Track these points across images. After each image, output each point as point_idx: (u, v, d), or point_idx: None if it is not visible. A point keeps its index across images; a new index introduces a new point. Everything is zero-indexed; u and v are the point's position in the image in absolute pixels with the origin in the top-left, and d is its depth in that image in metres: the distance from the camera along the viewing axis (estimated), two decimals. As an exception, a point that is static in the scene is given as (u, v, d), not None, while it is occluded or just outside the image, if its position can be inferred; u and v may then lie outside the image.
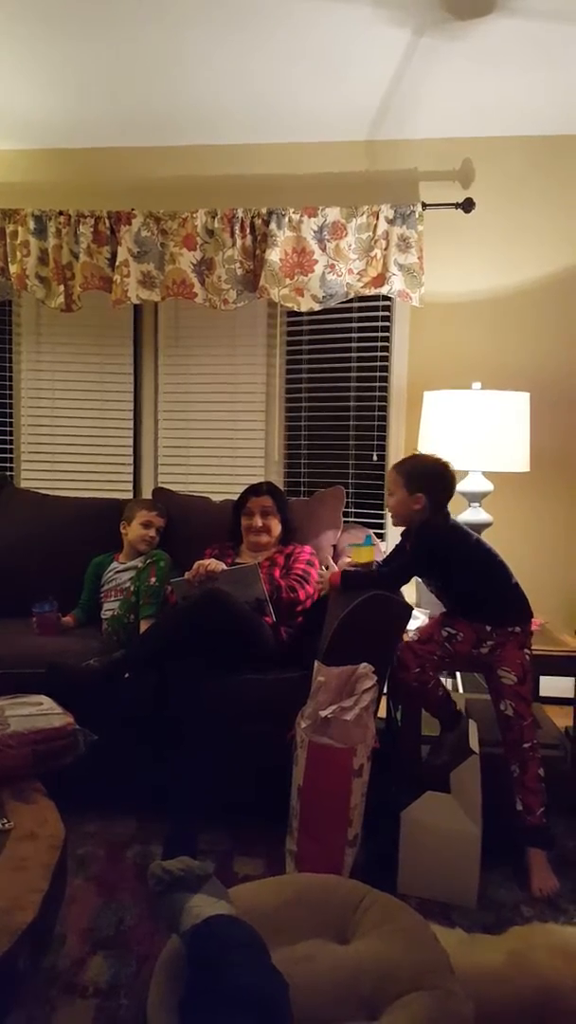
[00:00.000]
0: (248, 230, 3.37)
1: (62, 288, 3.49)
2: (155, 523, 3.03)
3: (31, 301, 3.76)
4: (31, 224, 3.48)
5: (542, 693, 3.07)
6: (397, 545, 2.41)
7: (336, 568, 2.53)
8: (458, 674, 3.11)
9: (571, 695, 2.53)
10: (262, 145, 3.64)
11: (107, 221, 3.45)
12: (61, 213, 3.45)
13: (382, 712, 2.63)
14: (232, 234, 3.37)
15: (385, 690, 2.38)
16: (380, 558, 2.50)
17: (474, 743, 2.18)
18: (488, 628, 2.24)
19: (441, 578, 2.34)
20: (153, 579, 2.79)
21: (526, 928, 1.73)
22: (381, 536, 3.53)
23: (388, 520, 3.61)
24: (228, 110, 3.38)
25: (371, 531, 3.24)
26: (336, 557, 2.94)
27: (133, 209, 3.42)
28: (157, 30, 2.76)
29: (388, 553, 2.52)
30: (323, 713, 2.03)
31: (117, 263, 3.44)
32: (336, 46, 2.83)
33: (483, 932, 1.83)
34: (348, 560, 2.53)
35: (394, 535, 2.72)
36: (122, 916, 1.91)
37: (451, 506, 2.38)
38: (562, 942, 1.63)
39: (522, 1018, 1.46)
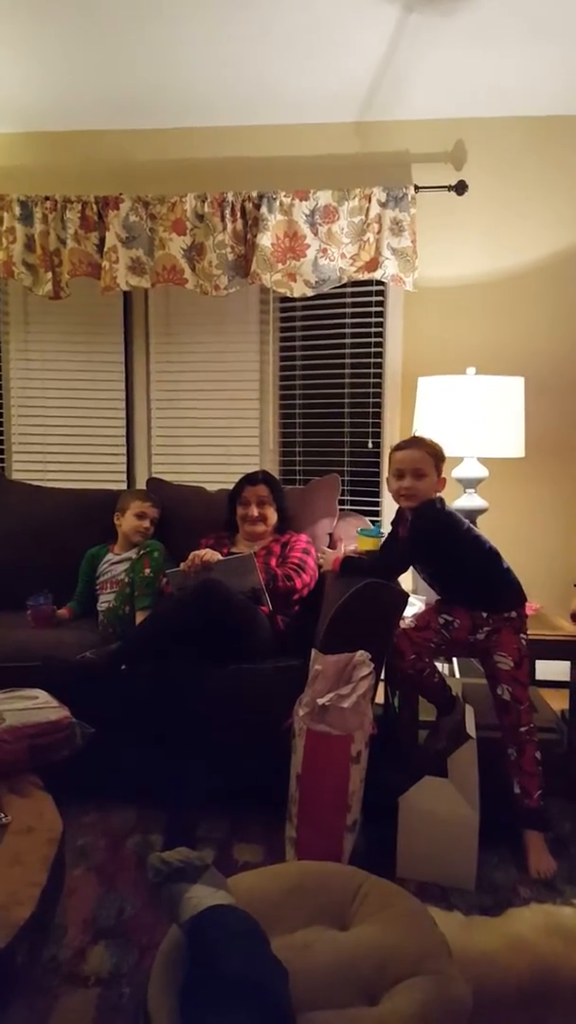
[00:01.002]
0: (239, 214, 3.34)
1: (50, 275, 3.46)
2: (149, 514, 3.01)
3: (18, 289, 3.73)
4: (16, 210, 3.44)
5: (539, 677, 3.08)
6: (389, 535, 2.40)
7: (339, 552, 2.52)
8: (454, 659, 3.12)
9: (567, 678, 2.53)
10: (251, 127, 3.60)
11: (94, 206, 3.41)
12: (47, 198, 3.42)
13: (379, 698, 2.64)
14: (222, 218, 3.33)
15: (382, 676, 2.38)
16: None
17: (471, 728, 2.19)
18: (484, 615, 2.24)
19: (434, 564, 2.34)
20: (148, 570, 2.78)
21: (524, 910, 1.74)
22: (376, 524, 3.52)
23: (384, 508, 3.61)
24: (216, 92, 3.33)
25: (379, 521, 3.23)
26: (332, 545, 2.93)
27: (121, 194, 3.38)
28: (144, 11, 2.72)
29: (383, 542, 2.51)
30: (321, 701, 2.03)
31: (105, 249, 3.40)
32: (325, 25, 2.79)
33: (481, 915, 1.84)
34: (352, 548, 2.53)
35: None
36: (122, 906, 1.92)
37: (447, 492, 2.37)
38: (559, 923, 1.64)
39: (520, 999, 1.47)
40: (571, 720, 2.48)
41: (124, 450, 3.91)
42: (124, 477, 3.91)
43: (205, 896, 1.31)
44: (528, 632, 2.31)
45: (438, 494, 2.28)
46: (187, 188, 3.39)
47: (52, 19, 2.79)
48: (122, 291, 3.52)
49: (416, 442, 2.32)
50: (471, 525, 2.33)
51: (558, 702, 2.79)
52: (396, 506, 2.39)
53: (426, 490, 2.26)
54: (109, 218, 3.39)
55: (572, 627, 2.68)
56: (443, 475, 2.30)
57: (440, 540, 2.25)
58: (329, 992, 1.22)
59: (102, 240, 3.44)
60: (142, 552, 2.84)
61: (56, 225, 3.44)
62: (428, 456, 2.27)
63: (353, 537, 2.80)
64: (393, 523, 2.45)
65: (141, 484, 3.76)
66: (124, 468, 3.92)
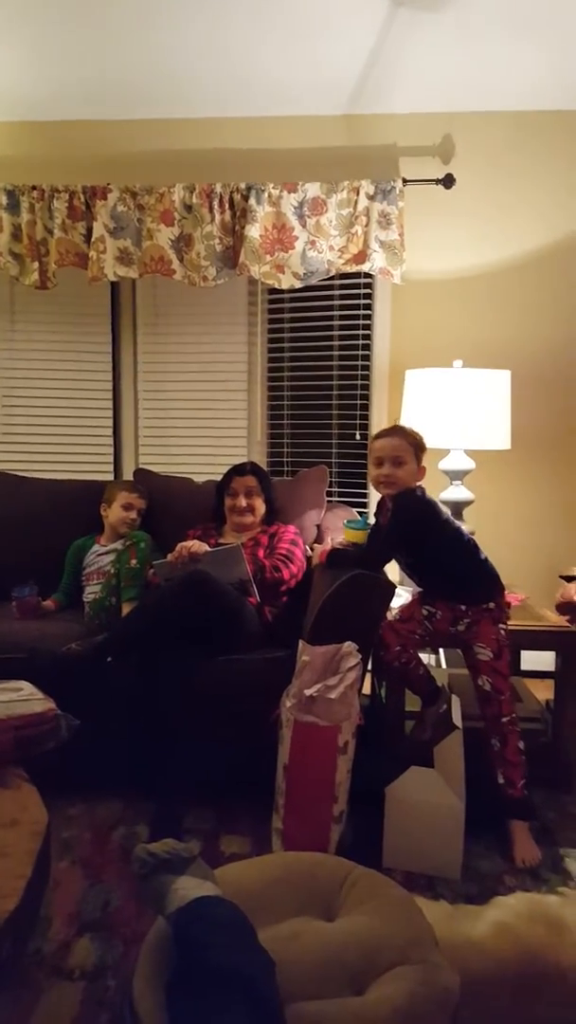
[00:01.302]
0: (227, 205, 3.32)
1: (36, 265, 3.43)
2: (136, 505, 3.00)
3: (5, 278, 3.69)
4: (3, 199, 3.41)
5: (524, 667, 3.10)
6: (374, 526, 2.40)
7: (326, 545, 2.52)
8: (441, 650, 3.13)
9: (552, 669, 2.55)
10: (240, 119, 3.58)
11: (82, 196, 3.38)
12: (34, 188, 3.39)
13: (366, 689, 2.65)
14: (211, 209, 3.32)
15: (369, 667, 2.39)
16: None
17: (457, 718, 2.20)
18: (463, 607, 2.25)
19: (413, 554, 2.34)
20: (134, 561, 2.77)
21: (509, 898, 1.74)
22: (363, 515, 3.52)
23: (371, 499, 3.61)
24: (204, 83, 3.31)
25: (367, 513, 3.23)
26: (320, 538, 2.93)
27: (109, 184, 3.36)
28: (134, 1, 2.70)
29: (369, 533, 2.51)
30: (308, 692, 2.03)
31: (93, 239, 3.38)
32: (314, 16, 2.78)
33: (467, 903, 1.85)
34: (340, 540, 2.52)
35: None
36: (108, 898, 1.92)
37: (433, 484, 2.38)
38: (544, 911, 1.65)
39: (506, 987, 1.48)
40: (555, 710, 2.50)
41: (111, 441, 3.89)
42: (111, 468, 3.90)
43: (192, 888, 1.31)
44: (512, 622, 2.32)
45: (418, 483, 2.28)
46: (175, 179, 3.36)
47: (40, 8, 2.76)
48: (109, 281, 3.49)
49: (396, 430, 2.32)
50: (450, 516, 2.33)
51: (543, 692, 2.81)
52: (382, 497, 2.40)
53: (405, 478, 2.26)
54: (97, 208, 3.36)
55: (557, 617, 2.70)
56: (423, 464, 2.30)
57: (420, 528, 2.25)
58: (316, 982, 1.22)
59: (89, 230, 3.41)
60: (128, 543, 2.83)
61: (43, 215, 3.41)
62: (408, 444, 2.27)
63: (340, 528, 2.80)
64: (376, 513, 2.45)
65: (128, 475, 3.75)
66: (111, 459, 3.90)
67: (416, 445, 2.28)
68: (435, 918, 1.49)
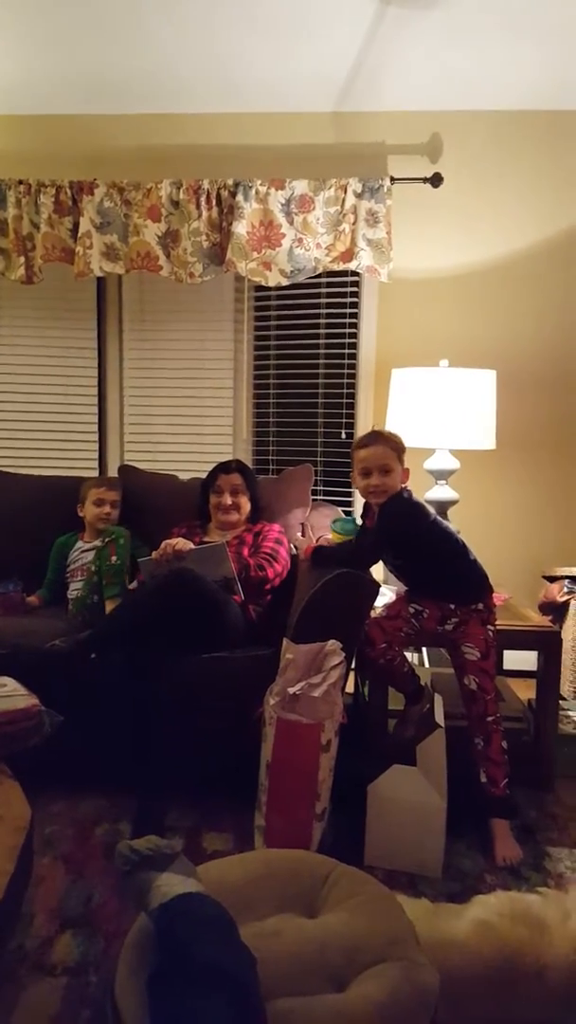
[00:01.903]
0: (214, 202, 3.31)
1: (22, 260, 3.41)
2: (107, 499, 2.99)
3: (-9, 273, 3.67)
4: (-10, 193, 3.39)
5: (506, 666, 3.12)
6: (361, 527, 2.41)
7: (312, 541, 2.52)
8: (424, 649, 3.15)
9: (534, 668, 2.57)
10: (227, 115, 3.57)
11: (68, 191, 3.36)
12: (21, 182, 3.36)
13: (349, 687, 2.66)
14: (198, 206, 3.31)
15: (353, 665, 2.40)
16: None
17: (440, 717, 2.21)
18: (451, 607, 2.26)
19: (402, 556, 2.35)
20: (114, 557, 2.75)
21: (490, 897, 1.75)
22: (349, 515, 3.53)
23: (356, 498, 3.62)
24: (192, 78, 3.30)
25: (352, 511, 3.23)
26: (304, 531, 2.93)
27: (95, 179, 3.34)
28: (119, -7, 2.69)
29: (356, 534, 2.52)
30: (292, 690, 2.04)
31: (79, 234, 3.36)
32: (304, 12, 2.78)
33: (448, 901, 1.86)
34: (328, 537, 2.53)
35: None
36: (90, 895, 1.91)
37: (419, 484, 2.38)
38: (525, 909, 1.66)
39: (487, 985, 1.49)
40: (537, 709, 2.51)
41: (96, 437, 3.88)
42: (96, 464, 3.88)
43: (174, 884, 1.31)
44: (496, 622, 2.33)
45: (404, 485, 2.29)
46: (162, 174, 3.35)
47: (28, 2, 2.73)
48: (96, 277, 3.48)
49: (377, 438, 2.31)
50: (438, 517, 2.34)
51: (525, 692, 2.83)
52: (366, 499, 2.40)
53: (394, 484, 2.26)
54: (83, 203, 3.34)
55: (540, 618, 2.72)
56: (405, 466, 2.30)
57: (408, 531, 2.26)
58: (298, 979, 1.23)
59: (76, 225, 3.39)
60: (107, 539, 2.81)
61: (29, 209, 3.39)
62: (391, 451, 2.26)
63: (326, 527, 2.81)
64: (362, 516, 2.45)
65: (113, 471, 3.73)
66: (96, 455, 3.89)
67: (399, 449, 2.29)
68: (416, 916, 1.50)
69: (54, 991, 1.59)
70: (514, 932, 1.57)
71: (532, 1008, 1.48)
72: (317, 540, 2.45)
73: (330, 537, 2.59)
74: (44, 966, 1.66)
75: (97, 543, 2.91)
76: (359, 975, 1.24)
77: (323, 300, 3.67)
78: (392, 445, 2.28)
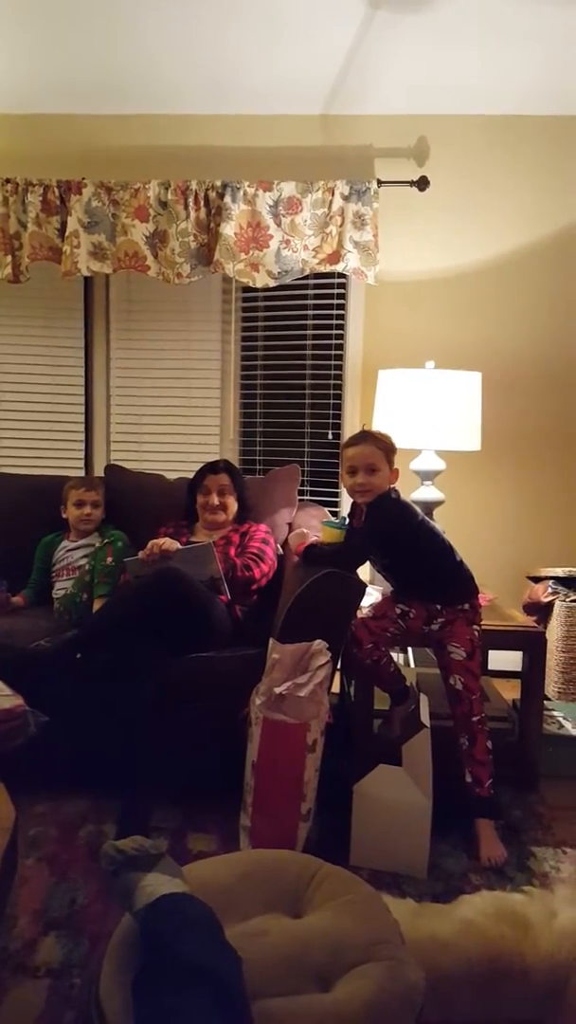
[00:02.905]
0: (202, 202, 3.32)
1: (9, 258, 3.40)
2: (87, 499, 2.98)
3: (-23, 272, 3.64)
4: (-24, 191, 3.37)
5: (491, 667, 3.13)
6: (350, 526, 2.41)
7: (305, 539, 2.52)
8: (409, 649, 3.15)
9: (519, 669, 2.58)
10: (216, 116, 3.57)
11: (56, 190, 3.35)
12: (8, 181, 3.35)
13: (335, 687, 2.66)
14: (186, 206, 3.30)
15: (338, 666, 2.40)
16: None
17: (425, 717, 2.21)
18: (438, 607, 2.27)
19: (389, 556, 2.36)
20: (109, 559, 2.76)
21: (475, 896, 1.76)
22: (335, 514, 3.53)
23: (343, 499, 3.63)
24: (181, 79, 3.30)
25: (340, 512, 3.24)
26: (294, 527, 2.93)
27: (84, 178, 3.33)
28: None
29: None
30: (278, 690, 2.04)
31: (67, 233, 3.35)
32: (293, 15, 2.79)
33: (433, 901, 1.86)
34: (316, 537, 2.53)
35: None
36: (74, 896, 1.90)
37: (405, 484, 2.39)
38: (510, 909, 1.66)
39: (472, 984, 1.50)
40: (522, 710, 2.52)
41: (83, 436, 3.86)
42: (82, 463, 3.87)
43: (160, 884, 1.30)
44: (482, 623, 2.34)
45: (392, 485, 2.29)
46: (150, 175, 3.35)
47: (16, 1, 2.73)
48: (83, 276, 3.47)
49: (366, 437, 2.31)
50: (425, 517, 2.35)
51: (510, 692, 2.84)
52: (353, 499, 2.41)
53: (380, 484, 2.26)
54: (71, 202, 3.33)
55: (524, 618, 2.74)
56: (395, 466, 2.31)
57: (395, 531, 2.27)
58: (283, 979, 1.23)
59: (63, 224, 3.38)
60: (106, 541, 2.83)
61: (17, 208, 3.37)
62: (379, 450, 2.27)
63: (313, 527, 2.81)
64: (349, 515, 2.46)
65: (99, 470, 3.71)
66: (82, 454, 3.87)
67: (387, 449, 2.29)
68: (401, 916, 1.50)
69: (38, 992, 1.58)
70: (499, 931, 1.58)
71: (517, 1007, 1.48)
72: (308, 535, 2.44)
73: (319, 536, 2.58)
74: (27, 968, 1.65)
75: (89, 542, 2.91)
76: (345, 975, 1.24)
77: (310, 302, 3.67)
78: (380, 445, 2.28)
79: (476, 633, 2.27)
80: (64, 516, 3.01)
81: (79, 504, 2.96)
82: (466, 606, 2.28)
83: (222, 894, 1.39)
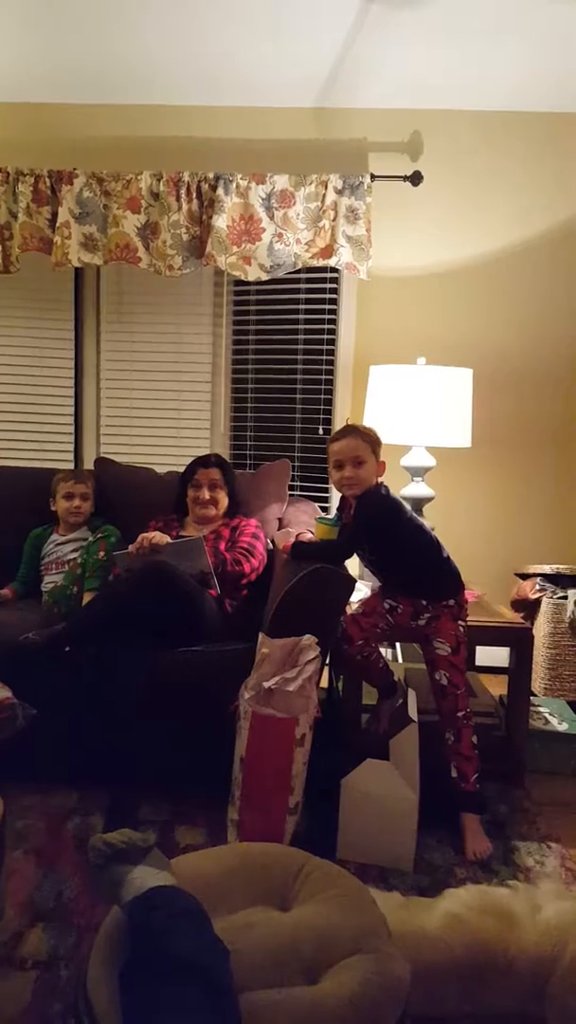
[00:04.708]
0: (194, 194, 3.30)
1: (0, 249, 3.37)
2: (76, 492, 2.97)
3: (-33, 261, 3.62)
4: (-33, 180, 3.34)
5: (478, 663, 3.15)
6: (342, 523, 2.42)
7: (290, 538, 2.52)
8: (397, 644, 3.17)
9: (506, 665, 2.59)
10: (210, 107, 3.55)
11: (48, 180, 3.33)
12: (-1, 170, 3.33)
13: (324, 682, 2.67)
14: (178, 198, 3.29)
15: (327, 661, 2.41)
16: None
17: (413, 712, 2.22)
18: (424, 602, 2.28)
19: (377, 551, 2.36)
20: (102, 553, 2.77)
21: (460, 890, 1.77)
22: (326, 510, 3.54)
23: (333, 494, 3.63)
24: (174, 70, 3.28)
25: (328, 507, 3.24)
26: (283, 525, 2.93)
27: (75, 169, 3.31)
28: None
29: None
30: (267, 684, 2.04)
31: (58, 224, 3.33)
32: (288, 7, 2.77)
33: (419, 895, 1.88)
34: (310, 535, 2.53)
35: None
36: (62, 888, 1.91)
37: (395, 480, 2.40)
38: (494, 903, 1.68)
39: (457, 976, 1.51)
40: (509, 706, 2.54)
41: (72, 429, 3.85)
42: (71, 456, 3.85)
43: (148, 877, 1.31)
44: (469, 619, 2.35)
45: (379, 479, 2.30)
46: (143, 166, 3.33)
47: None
48: (74, 268, 3.45)
49: (351, 431, 2.32)
50: (413, 513, 2.36)
51: (497, 688, 2.86)
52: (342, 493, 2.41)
53: (366, 477, 2.27)
54: (62, 193, 3.31)
55: (512, 614, 2.75)
56: (382, 459, 2.31)
57: (383, 527, 2.27)
58: (270, 971, 1.23)
59: (54, 215, 3.36)
60: (99, 536, 2.83)
61: (7, 198, 3.35)
62: (364, 443, 2.28)
63: (303, 523, 2.82)
64: (339, 510, 2.47)
65: (89, 463, 3.71)
66: (71, 447, 3.86)
67: (373, 442, 2.30)
68: (388, 909, 1.51)
69: (24, 984, 1.58)
70: (483, 925, 1.59)
71: (501, 999, 1.50)
72: (297, 536, 2.45)
73: (312, 533, 2.59)
74: (15, 960, 1.65)
75: (79, 535, 2.90)
76: (331, 967, 1.25)
77: (302, 296, 3.67)
78: (365, 438, 2.29)
79: (461, 629, 2.29)
80: (53, 509, 3.00)
81: (68, 497, 2.95)
82: (451, 602, 2.30)
83: (210, 887, 1.40)
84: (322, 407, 3.69)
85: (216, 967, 1.14)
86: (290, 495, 3.17)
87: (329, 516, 2.54)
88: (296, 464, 3.66)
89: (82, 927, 1.76)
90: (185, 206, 3.30)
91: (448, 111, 3.48)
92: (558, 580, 3.29)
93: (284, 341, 3.73)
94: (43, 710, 1.96)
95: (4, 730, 1.83)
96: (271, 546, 2.77)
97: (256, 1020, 1.13)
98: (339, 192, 3.30)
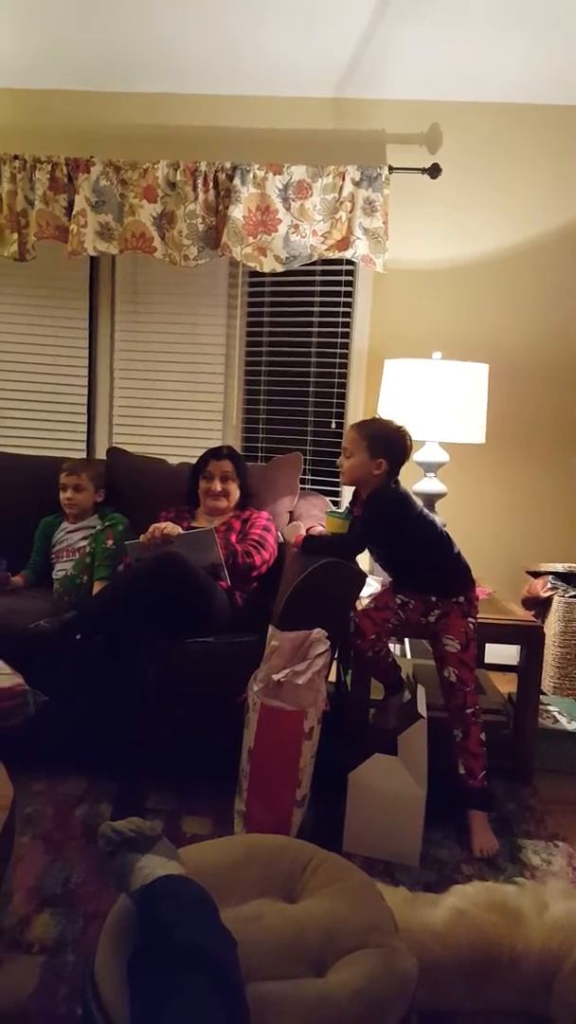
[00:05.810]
0: (211, 184, 3.29)
1: (15, 236, 3.37)
2: (68, 483, 2.96)
3: (-17, 248, 3.62)
4: (-16, 167, 3.34)
5: (488, 660, 3.15)
6: (352, 515, 2.41)
7: (301, 531, 2.52)
8: (406, 640, 3.16)
9: (516, 663, 2.59)
10: (227, 97, 3.54)
11: (64, 168, 3.32)
12: (16, 157, 3.32)
13: (332, 676, 2.67)
14: (194, 188, 3.28)
15: (336, 655, 2.40)
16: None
17: (422, 707, 2.22)
18: (434, 599, 2.27)
19: (387, 547, 2.36)
20: (110, 541, 2.78)
21: (466, 886, 1.77)
22: (337, 504, 3.53)
23: (344, 488, 3.62)
24: (193, 58, 3.27)
25: (339, 501, 3.23)
26: (293, 518, 2.93)
27: (92, 157, 3.31)
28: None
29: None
30: (276, 677, 2.04)
31: (74, 212, 3.32)
32: (308, -3, 2.76)
33: (425, 890, 1.88)
34: (320, 528, 2.53)
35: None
36: (69, 874, 1.92)
37: (406, 476, 2.39)
38: (500, 899, 1.68)
39: (462, 973, 1.51)
40: (518, 703, 2.54)
41: (85, 418, 3.85)
42: (84, 445, 3.86)
43: (156, 866, 1.31)
44: (479, 616, 2.35)
45: (377, 474, 2.28)
46: (160, 155, 3.32)
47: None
48: (89, 256, 3.45)
49: (358, 423, 2.37)
50: (424, 509, 2.35)
51: (507, 686, 2.86)
52: (354, 487, 2.41)
53: (351, 469, 2.30)
54: (79, 181, 3.31)
55: (523, 612, 2.74)
56: (381, 458, 2.28)
57: (389, 523, 2.27)
58: (277, 963, 1.24)
59: (71, 203, 3.36)
60: (107, 524, 2.84)
61: (24, 185, 3.35)
62: (359, 437, 2.29)
63: (313, 516, 2.81)
64: (351, 503, 2.46)
65: (101, 453, 3.71)
66: (84, 437, 3.86)
67: (369, 437, 2.29)
68: (394, 904, 1.51)
69: (31, 969, 1.59)
70: (489, 921, 1.59)
71: (507, 996, 1.50)
72: (308, 529, 2.45)
73: (322, 527, 2.58)
74: (22, 944, 1.66)
75: (89, 523, 2.91)
76: (338, 960, 1.25)
77: (317, 288, 3.66)
78: (363, 432, 2.30)
79: (471, 626, 2.28)
80: (60, 499, 3.01)
81: (62, 488, 2.96)
82: (462, 599, 2.29)
83: (217, 877, 1.40)
84: (335, 401, 3.68)
85: (223, 957, 1.14)
86: (301, 488, 3.16)
87: (340, 510, 2.54)
88: (308, 457, 3.66)
89: (89, 913, 1.77)
90: (201, 196, 3.29)
91: (467, 103, 3.45)
92: (570, 578, 3.27)
93: (298, 334, 3.71)
94: (53, 697, 1.97)
95: (15, 717, 1.84)
96: (282, 538, 2.77)
97: (263, 1011, 1.13)
98: (356, 184, 3.28)
